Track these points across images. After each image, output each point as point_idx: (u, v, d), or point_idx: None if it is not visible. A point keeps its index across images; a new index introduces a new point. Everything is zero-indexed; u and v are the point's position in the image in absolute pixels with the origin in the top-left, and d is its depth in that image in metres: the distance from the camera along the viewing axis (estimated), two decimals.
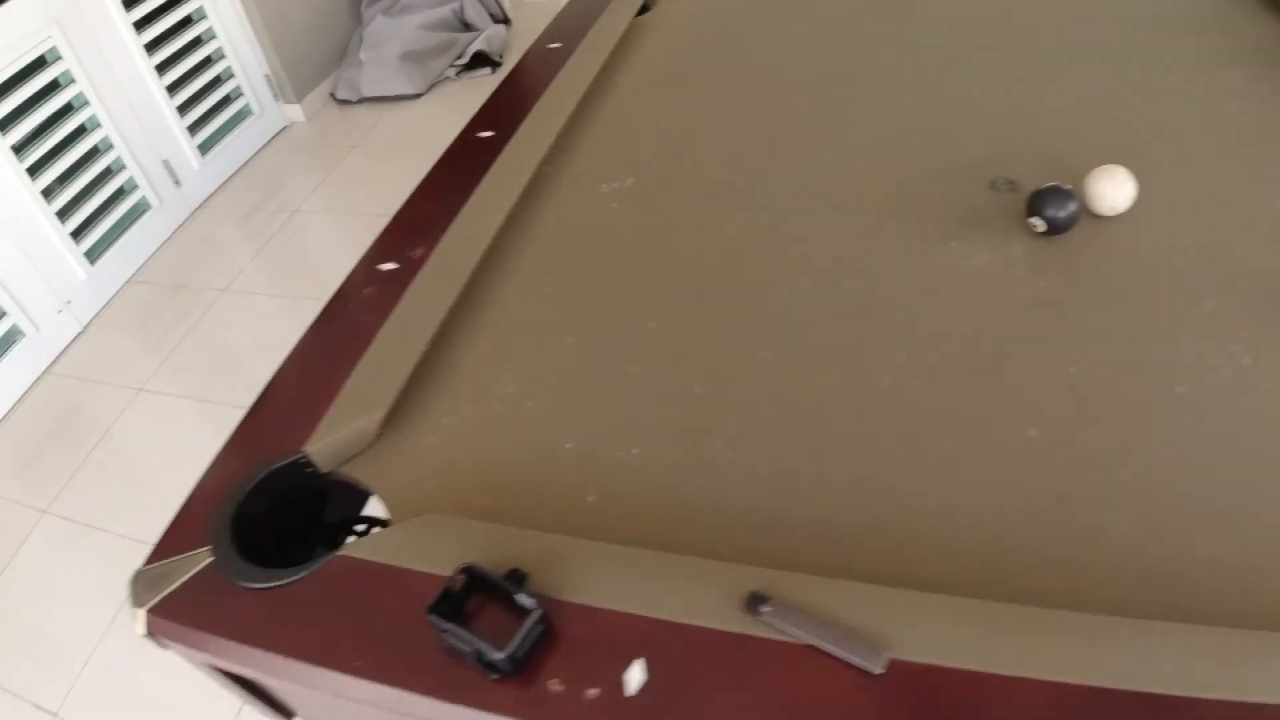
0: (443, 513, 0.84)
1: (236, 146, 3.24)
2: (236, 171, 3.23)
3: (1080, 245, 1.04)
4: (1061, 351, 0.92)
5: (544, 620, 0.71)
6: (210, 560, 0.80)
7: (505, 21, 3.66)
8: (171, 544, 0.83)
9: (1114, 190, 1.04)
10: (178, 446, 2.15)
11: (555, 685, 0.68)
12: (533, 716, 0.66)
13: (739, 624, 0.69)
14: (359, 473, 0.89)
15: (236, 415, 0.94)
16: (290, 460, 0.88)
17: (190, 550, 0.81)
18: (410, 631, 0.71)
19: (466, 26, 3.60)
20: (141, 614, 0.78)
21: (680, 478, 0.86)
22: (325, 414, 0.92)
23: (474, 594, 0.74)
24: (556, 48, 1.56)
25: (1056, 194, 1.03)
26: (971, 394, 0.89)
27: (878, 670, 0.66)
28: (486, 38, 3.50)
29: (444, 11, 3.50)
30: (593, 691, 0.67)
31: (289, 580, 0.78)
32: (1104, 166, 1.06)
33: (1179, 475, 0.79)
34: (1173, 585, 0.71)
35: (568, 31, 1.61)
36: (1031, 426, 0.85)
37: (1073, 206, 1.02)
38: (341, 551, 0.80)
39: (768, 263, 1.09)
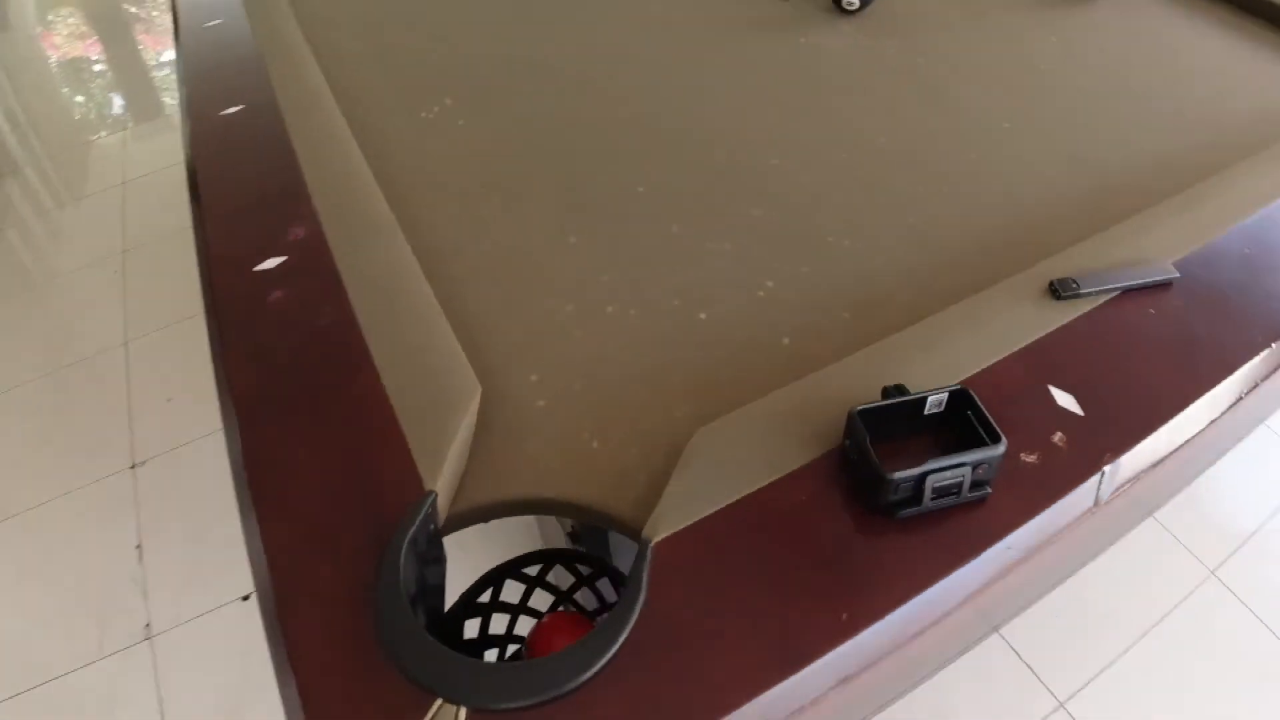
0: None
1: None
2: None
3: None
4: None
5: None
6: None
7: None
8: None
9: None
10: None
11: (1026, 457, 0.57)
12: (1056, 488, 0.55)
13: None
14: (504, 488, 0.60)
15: None
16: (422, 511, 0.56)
17: None
18: (835, 534, 0.53)
19: None
20: None
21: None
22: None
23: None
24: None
25: None
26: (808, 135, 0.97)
27: (1176, 275, 0.69)
28: None
29: None
30: (1056, 437, 0.58)
31: (623, 619, 0.50)
32: None
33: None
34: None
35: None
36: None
37: None
38: (646, 536, 0.54)
39: (614, 113, 1.02)
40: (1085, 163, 0.89)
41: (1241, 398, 0.64)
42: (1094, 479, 0.56)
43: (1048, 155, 0.91)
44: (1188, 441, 0.61)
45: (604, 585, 0.68)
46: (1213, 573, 1.40)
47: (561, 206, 0.87)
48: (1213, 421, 0.63)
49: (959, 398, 0.57)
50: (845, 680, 0.49)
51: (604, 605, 0.68)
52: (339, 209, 0.83)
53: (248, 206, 0.85)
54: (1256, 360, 0.64)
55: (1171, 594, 1.36)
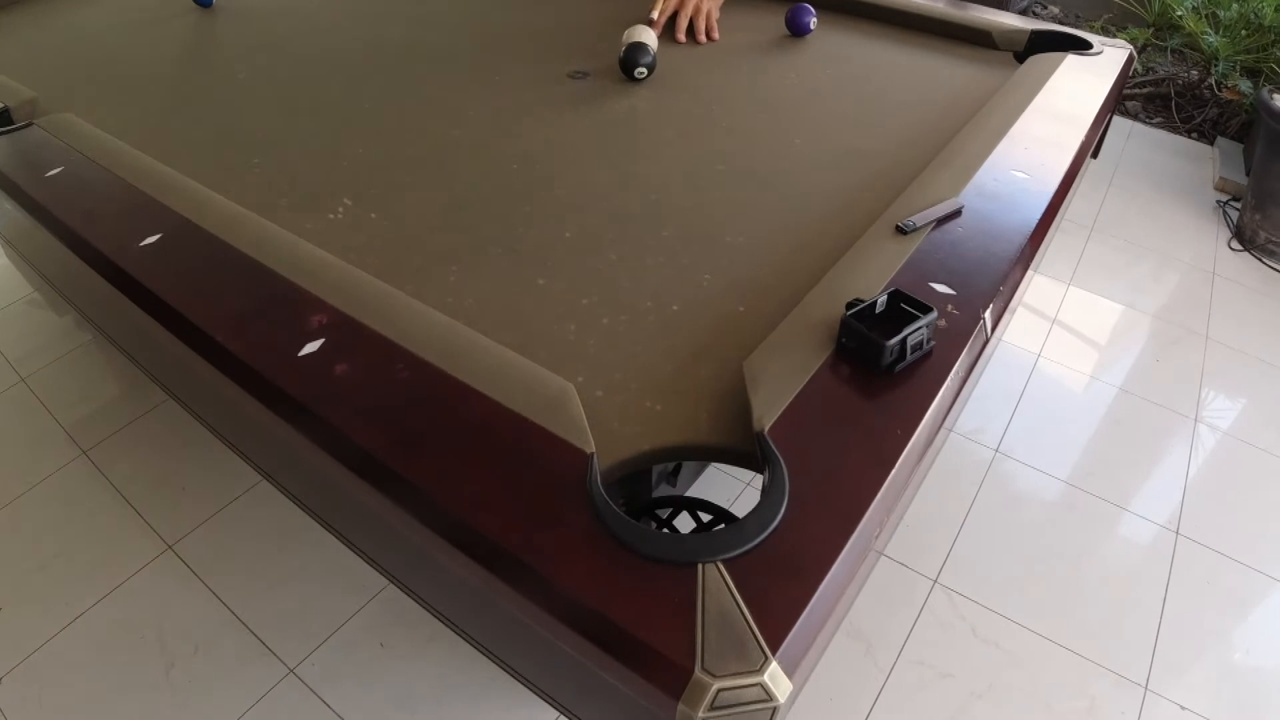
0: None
1: None
2: None
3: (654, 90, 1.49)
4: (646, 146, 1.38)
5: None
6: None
7: None
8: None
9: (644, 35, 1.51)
10: None
11: (940, 323, 0.89)
12: (963, 333, 0.88)
13: None
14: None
15: None
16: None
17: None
18: (865, 392, 0.81)
19: None
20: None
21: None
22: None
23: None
24: None
25: (639, 48, 1.46)
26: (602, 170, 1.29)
27: (962, 203, 1.07)
28: None
29: None
30: (948, 308, 0.91)
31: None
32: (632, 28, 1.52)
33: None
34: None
35: None
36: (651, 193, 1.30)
37: (652, 51, 1.47)
38: (758, 429, 0.78)
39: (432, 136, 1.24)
40: (863, 152, 1.27)
41: (1029, 258, 1.02)
42: (980, 322, 0.89)
43: (836, 153, 1.28)
44: (1019, 281, 0.97)
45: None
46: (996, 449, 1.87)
47: (517, 261, 1.07)
48: (1026, 268, 0.99)
49: (894, 296, 0.87)
50: (913, 470, 0.76)
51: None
52: (343, 292, 0.96)
53: (246, 314, 0.95)
54: (1025, 235, 1.02)
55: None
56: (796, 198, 1.17)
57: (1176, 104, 3.73)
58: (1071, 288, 2.56)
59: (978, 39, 1.65)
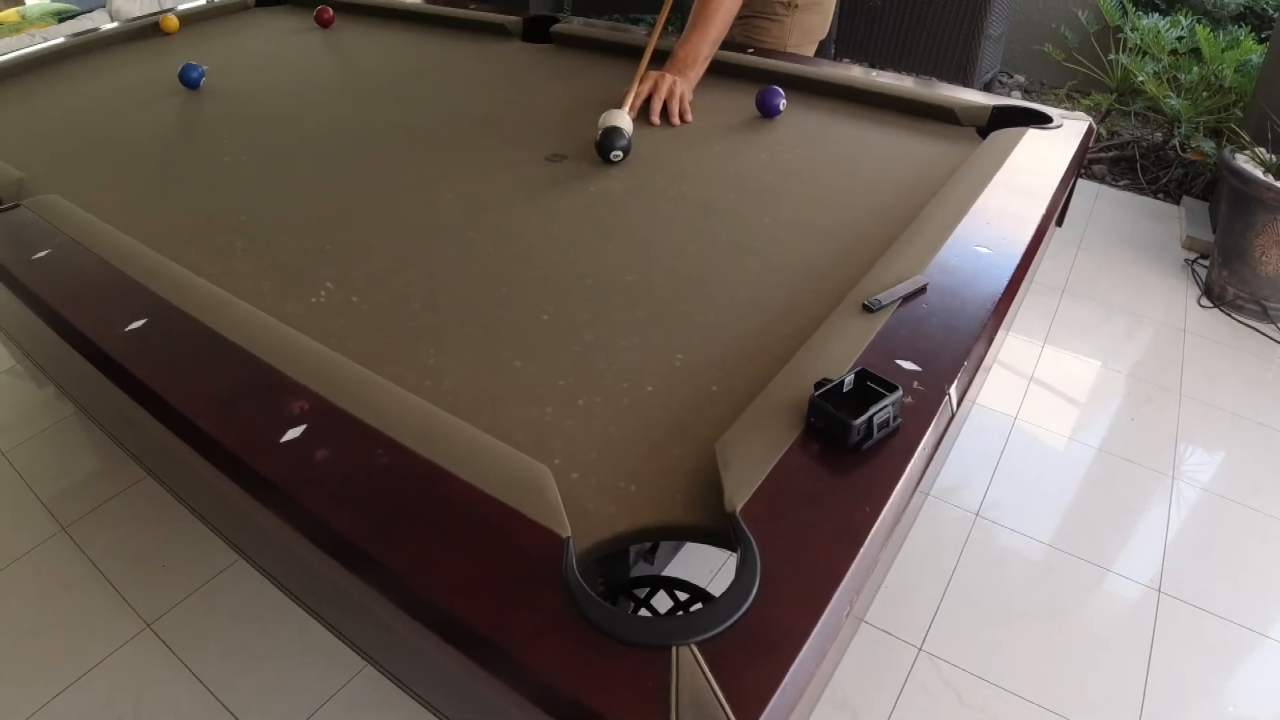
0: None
1: None
2: None
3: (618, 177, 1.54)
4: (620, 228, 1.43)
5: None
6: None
7: None
8: None
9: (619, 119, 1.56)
10: None
11: (906, 400, 0.92)
12: (929, 410, 0.90)
13: None
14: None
15: None
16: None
17: None
18: (833, 470, 0.83)
19: None
20: None
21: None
22: None
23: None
24: None
25: (614, 132, 1.50)
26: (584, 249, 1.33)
27: (926, 280, 1.10)
28: None
29: None
30: (915, 384, 0.94)
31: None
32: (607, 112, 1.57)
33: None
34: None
35: None
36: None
37: (627, 134, 1.51)
38: (730, 509, 0.80)
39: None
40: (831, 230, 1.31)
41: (993, 331, 1.05)
42: (945, 398, 0.92)
43: (805, 231, 1.32)
44: (984, 356, 1.00)
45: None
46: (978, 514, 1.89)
47: (494, 342, 1.09)
48: (990, 342, 1.03)
49: (861, 375, 0.90)
50: (884, 544, 0.78)
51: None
52: (324, 377, 0.98)
53: (228, 399, 0.97)
54: (988, 310, 1.05)
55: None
56: (767, 276, 1.21)
57: (1142, 166, 3.85)
58: (1046, 347, 2.61)
59: (942, 115, 1.72)
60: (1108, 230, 3.36)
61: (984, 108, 1.70)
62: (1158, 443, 2.20)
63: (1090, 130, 1.69)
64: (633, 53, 2.12)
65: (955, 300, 1.08)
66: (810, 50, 2.38)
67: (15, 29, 4.00)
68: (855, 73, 1.91)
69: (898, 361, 0.97)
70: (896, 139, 1.65)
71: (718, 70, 1.96)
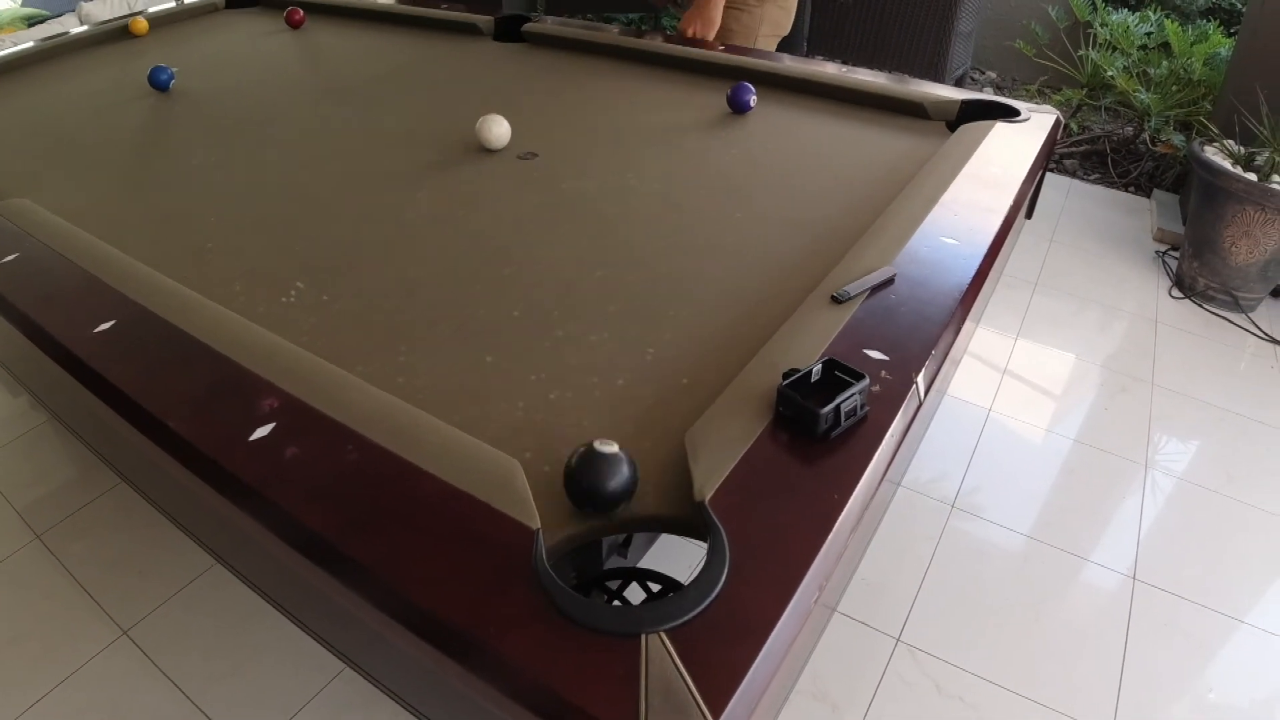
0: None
1: None
2: None
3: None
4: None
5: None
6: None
7: None
8: None
9: (492, 130, 1.54)
10: None
11: (874, 388, 0.93)
12: (896, 398, 0.91)
13: None
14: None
15: None
16: None
17: None
18: (803, 458, 0.84)
19: None
20: None
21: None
22: None
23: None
24: None
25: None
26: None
27: (894, 271, 1.11)
28: None
29: None
30: (882, 373, 0.95)
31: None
32: (484, 116, 1.55)
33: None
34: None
35: None
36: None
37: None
38: (699, 499, 0.80)
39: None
40: (802, 223, 1.32)
41: (960, 320, 1.06)
42: (913, 386, 0.93)
43: (776, 225, 1.33)
44: (952, 345, 1.01)
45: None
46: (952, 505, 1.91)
47: (466, 339, 1.10)
48: (958, 332, 1.04)
49: (829, 365, 0.91)
50: (852, 531, 0.79)
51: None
52: (294, 375, 0.98)
53: (198, 400, 0.96)
54: (955, 299, 1.07)
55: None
56: (738, 270, 1.22)
57: (1113, 159, 3.89)
58: (1019, 340, 2.63)
59: (912, 110, 1.73)
60: (1080, 224, 3.39)
61: (953, 102, 1.72)
62: (1132, 433, 2.23)
63: (1058, 123, 1.71)
64: (605, 51, 2.12)
65: (923, 290, 1.09)
66: (773, 45, 2.41)
67: None
68: (826, 69, 1.93)
69: (866, 351, 0.98)
70: (867, 134, 1.67)
71: (688, 67, 1.97)
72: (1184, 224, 3.28)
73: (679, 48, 2.05)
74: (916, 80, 1.88)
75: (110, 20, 2.79)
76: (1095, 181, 3.81)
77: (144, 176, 1.57)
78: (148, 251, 1.28)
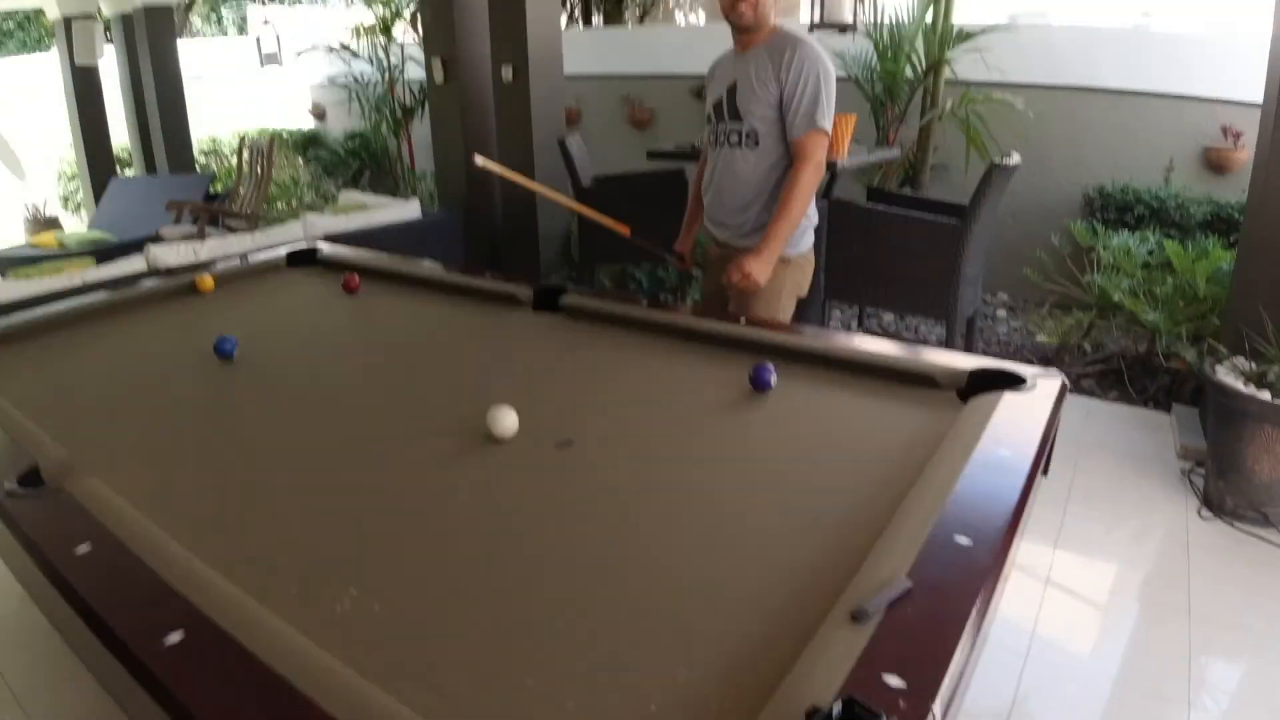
0: None
1: None
2: None
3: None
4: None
5: None
6: None
7: None
8: None
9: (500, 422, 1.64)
10: None
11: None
12: None
13: None
14: None
15: None
16: None
17: None
18: None
19: None
20: None
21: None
22: None
23: None
24: None
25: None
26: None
27: (909, 584, 1.18)
28: None
29: None
30: (900, 703, 1.00)
31: None
32: (493, 407, 1.65)
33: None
34: None
35: None
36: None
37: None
38: None
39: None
40: (820, 519, 1.40)
41: (978, 627, 1.11)
42: (930, 716, 0.97)
43: (797, 523, 1.40)
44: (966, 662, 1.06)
45: None
46: None
47: (505, 652, 1.15)
48: (974, 640, 1.08)
49: (848, 704, 0.96)
50: None
51: None
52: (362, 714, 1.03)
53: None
54: (972, 606, 1.12)
55: None
56: (760, 578, 1.27)
57: (1129, 376, 3.99)
58: (1048, 589, 2.61)
59: (923, 381, 1.85)
60: (1102, 446, 3.45)
61: (961, 372, 1.84)
62: (1171, 668, 2.19)
63: (1064, 387, 1.81)
64: (639, 325, 2.29)
65: (939, 601, 1.15)
66: (794, 305, 2.58)
67: (56, 269, 4.21)
68: (842, 341, 2.08)
69: (884, 678, 1.03)
70: (883, 408, 1.78)
71: (710, 341, 2.13)
72: (1205, 437, 3.31)
73: (705, 323, 2.22)
74: (926, 348, 2.01)
75: (178, 269, 3.01)
76: (1114, 399, 3.89)
77: (204, 456, 1.70)
78: (212, 549, 1.35)
